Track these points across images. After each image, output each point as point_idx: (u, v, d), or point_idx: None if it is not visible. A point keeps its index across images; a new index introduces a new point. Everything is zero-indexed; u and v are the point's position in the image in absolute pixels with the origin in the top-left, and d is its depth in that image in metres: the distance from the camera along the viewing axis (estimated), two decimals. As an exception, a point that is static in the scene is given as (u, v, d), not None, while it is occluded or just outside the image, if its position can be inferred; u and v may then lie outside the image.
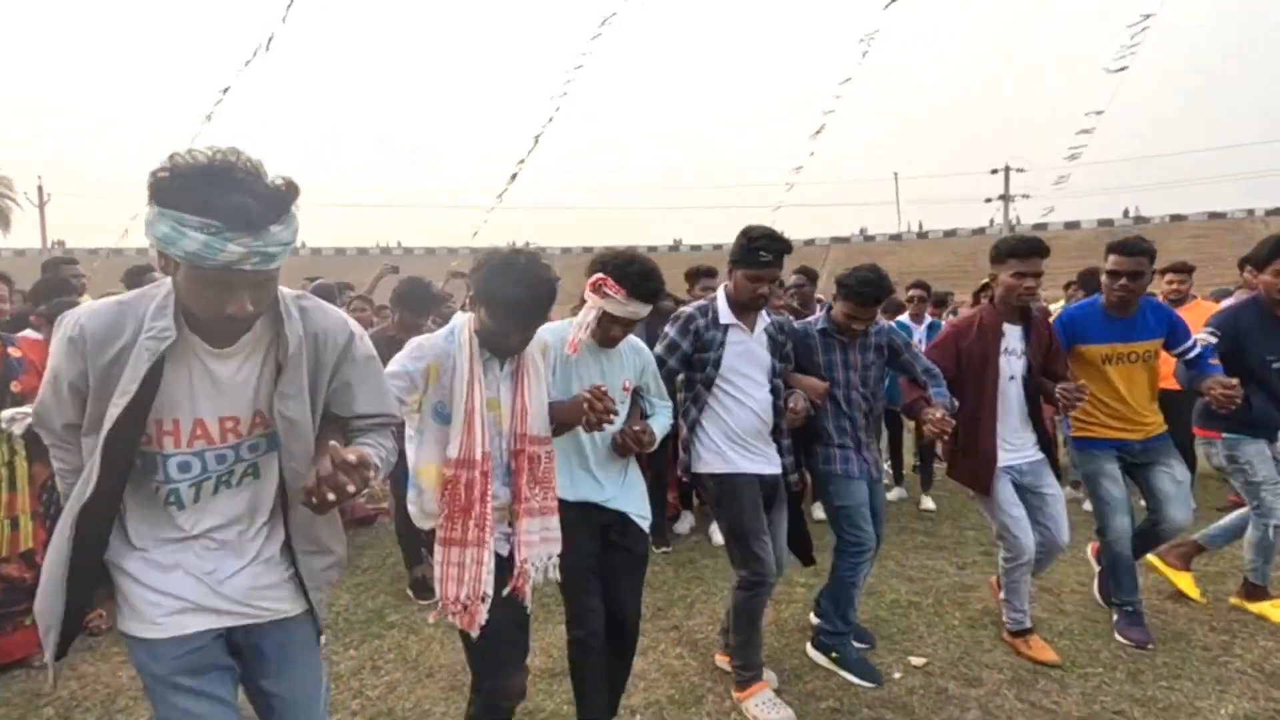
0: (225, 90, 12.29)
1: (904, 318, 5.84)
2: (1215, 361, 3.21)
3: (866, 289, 2.86)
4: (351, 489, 1.24)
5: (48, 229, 37.73)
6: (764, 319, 2.76)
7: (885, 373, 3.13)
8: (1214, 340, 3.26)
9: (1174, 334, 3.19)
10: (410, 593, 3.84)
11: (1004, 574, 3.12)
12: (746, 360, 2.71)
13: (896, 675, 2.92)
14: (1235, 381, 2.95)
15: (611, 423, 2.01)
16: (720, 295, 2.74)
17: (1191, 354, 3.19)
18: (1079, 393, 2.85)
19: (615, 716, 2.45)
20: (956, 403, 2.97)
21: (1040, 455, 3.12)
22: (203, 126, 12.14)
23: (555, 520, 2.05)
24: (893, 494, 5.58)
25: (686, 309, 2.76)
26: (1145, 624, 3.18)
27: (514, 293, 1.81)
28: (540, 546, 2.01)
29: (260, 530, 1.50)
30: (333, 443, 1.29)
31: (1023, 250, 2.91)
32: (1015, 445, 3.06)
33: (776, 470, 2.76)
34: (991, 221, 38.24)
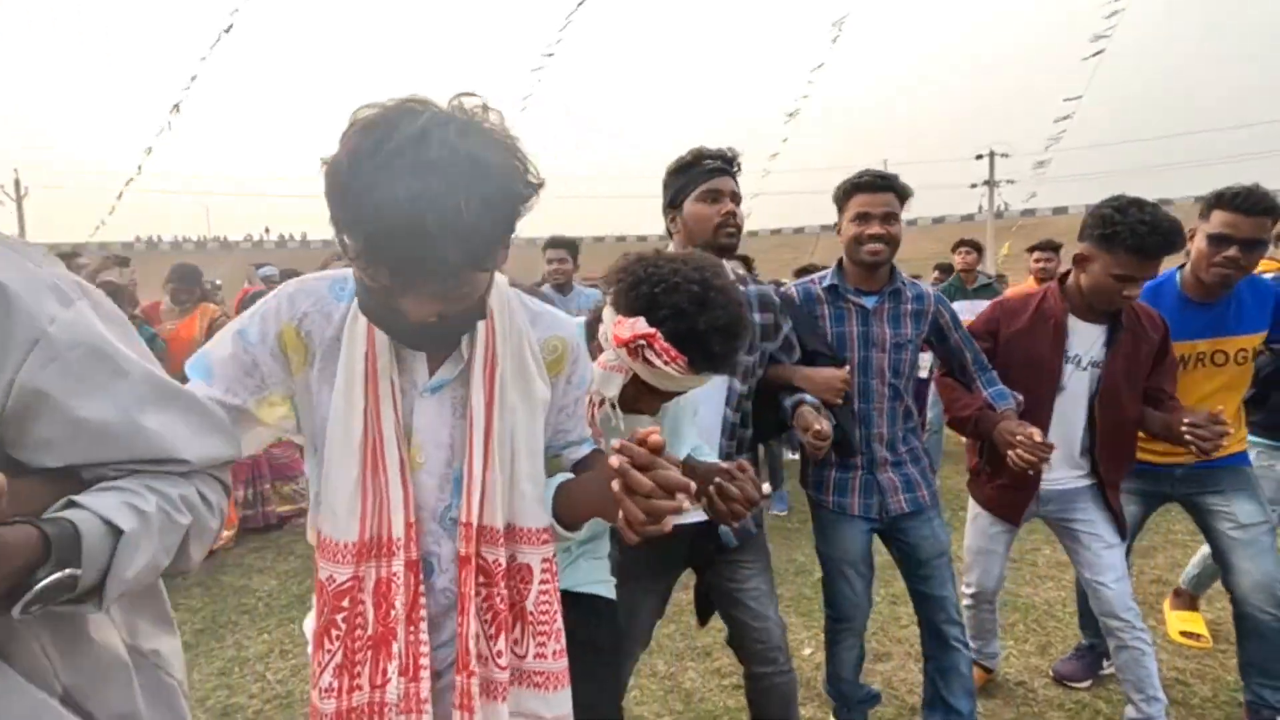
0: (193, 79, 12.46)
1: None
2: None
3: (873, 177, 2.07)
4: None
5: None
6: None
7: (918, 356, 2.20)
8: None
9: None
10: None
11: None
12: None
13: (806, 651, 2.90)
14: None
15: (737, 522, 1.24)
16: None
17: None
18: (1217, 424, 1.88)
19: None
20: (1021, 399, 2.16)
21: (1085, 482, 2.24)
22: (172, 116, 12.27)
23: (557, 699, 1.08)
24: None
25: None
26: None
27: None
28: None
29: None
30: None
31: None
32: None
33: (701, 517, 1.49)
34: (980, 208, 38.27)
